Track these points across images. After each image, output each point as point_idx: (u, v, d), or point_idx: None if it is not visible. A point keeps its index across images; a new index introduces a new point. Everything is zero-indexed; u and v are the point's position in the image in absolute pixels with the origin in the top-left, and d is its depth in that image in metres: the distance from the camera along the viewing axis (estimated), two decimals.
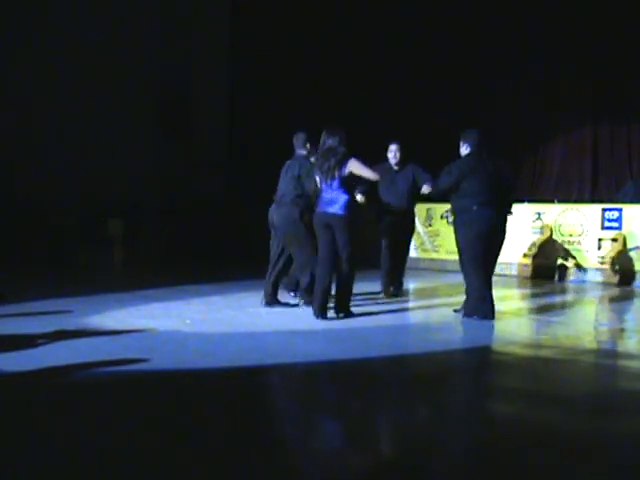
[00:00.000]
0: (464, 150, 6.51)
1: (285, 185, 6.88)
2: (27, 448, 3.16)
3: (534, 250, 10.19)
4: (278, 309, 6.88)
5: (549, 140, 12.66)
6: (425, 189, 7.53)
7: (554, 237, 10.12)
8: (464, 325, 6.33)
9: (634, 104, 11.65)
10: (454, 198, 6.45)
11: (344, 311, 6.42)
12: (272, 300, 7.00)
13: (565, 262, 10.00)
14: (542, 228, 10.19)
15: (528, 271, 10.17)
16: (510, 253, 10.02)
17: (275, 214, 6.90)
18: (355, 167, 6.25)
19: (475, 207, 6.20)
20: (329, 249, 6.31)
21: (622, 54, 11.57)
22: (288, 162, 7.02)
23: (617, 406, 4.00)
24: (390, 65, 13.06)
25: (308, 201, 6.73)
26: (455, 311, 6.72)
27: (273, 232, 7.05)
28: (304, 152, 6.96)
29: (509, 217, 6.55)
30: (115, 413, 3.71)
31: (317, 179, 6.45)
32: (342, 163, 6.25)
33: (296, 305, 7.01)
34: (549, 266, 10.07)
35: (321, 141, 6.48)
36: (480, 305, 6.29)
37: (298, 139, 7.00)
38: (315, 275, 6.46)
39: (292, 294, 7.42)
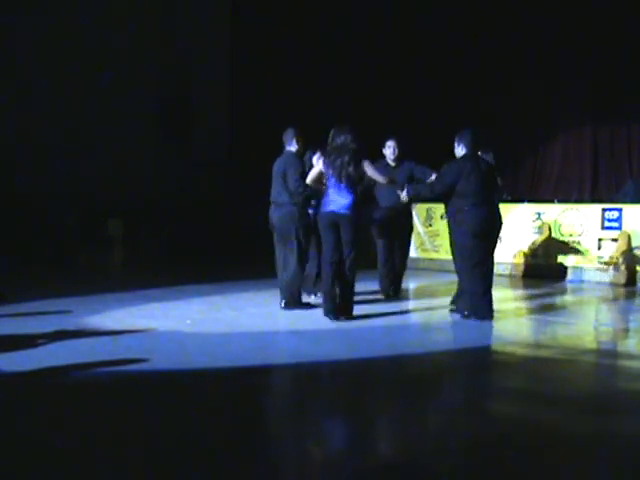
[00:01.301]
0: (460, 151, 6.45)
1: (275, 185, 6.77)
2: (27, 448, 3.16)
3: (533, 250, 10.18)
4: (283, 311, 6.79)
5: (549, 140, 12.67)
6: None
7: (553, 236, 10.10)
8: (463, 325, 6.31)
9: (634, 104, 11.65)
10: (448, 199, 6.44)
11: (346, 314, 6.32)
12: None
13: (564, 262, 9.98)
14: (541, 227, 10.17)
15: (528, 271, 10.16)
16: (510, 253, 10.03)
17: (274, 215, 6.81)
18: (369, 170, 6.33)
19: (467, 207, 6.19)
20: (335, 250, 6.25)
21: (622, 54, 11.58)
22: (277, 160, 6.85)
23: (617, 406, 4.00)
24: (389, 64, 13.07)
25: (299, 198, 6.62)
26: (452, 311, 6.72)
27: (275, 234, 6.93)
28: (293, 148, 6.79)
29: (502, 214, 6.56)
30: (115, 413, 3.71)
31: (324, 173, 6.35)
32: (355, 161, 6.23)
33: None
34: (547, 265, 10.06)
35: (329, 139, 6.40)
36: (479, 305, 6.28)
37: (287, 134, 6.81)
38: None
39: (313, 296, 7.35)
